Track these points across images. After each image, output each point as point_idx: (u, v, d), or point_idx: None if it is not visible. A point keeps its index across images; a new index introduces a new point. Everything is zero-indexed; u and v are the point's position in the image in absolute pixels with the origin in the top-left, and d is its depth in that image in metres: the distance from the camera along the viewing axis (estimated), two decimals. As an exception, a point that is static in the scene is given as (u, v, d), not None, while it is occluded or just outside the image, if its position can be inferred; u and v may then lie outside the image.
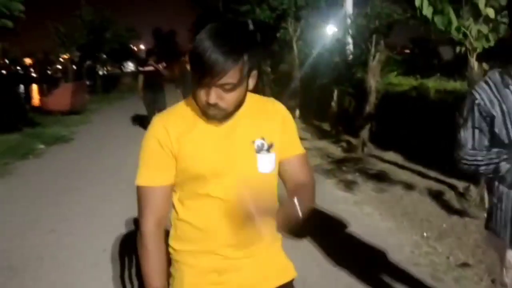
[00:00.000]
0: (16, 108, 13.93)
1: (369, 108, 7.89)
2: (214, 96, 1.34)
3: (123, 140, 9.39)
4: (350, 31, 9.46)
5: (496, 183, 1.87)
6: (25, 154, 8.47)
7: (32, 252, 4.08)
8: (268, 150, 1.49)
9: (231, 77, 1.31)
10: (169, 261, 1.53)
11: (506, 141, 1.78)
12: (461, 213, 4.73)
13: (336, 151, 8.33)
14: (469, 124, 1.86)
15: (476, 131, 1.84)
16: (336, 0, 11.44)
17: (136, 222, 4.21)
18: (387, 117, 8.14)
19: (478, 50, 4.69)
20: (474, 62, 4.76)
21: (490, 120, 1.80)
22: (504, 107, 1.77)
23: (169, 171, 1.46)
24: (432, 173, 6.19)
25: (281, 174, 1.57)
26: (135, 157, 1.53)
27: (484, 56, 4.85)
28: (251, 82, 1.44)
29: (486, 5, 4.38)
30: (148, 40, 52.26)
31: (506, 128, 1.77)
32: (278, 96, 9.60)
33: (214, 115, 1.39)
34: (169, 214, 1.52)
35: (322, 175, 6.53)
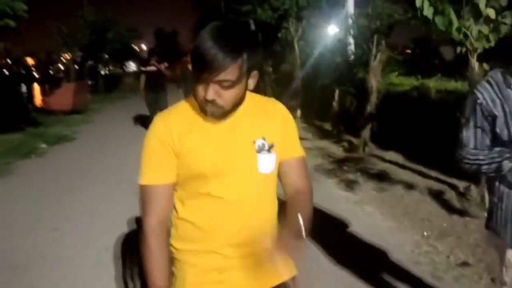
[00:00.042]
0: (18, 107, 13.94)
1: (370, 108, 7.91)
2: (212, 92, 1.35)
3: (125, 140, 9.41)
4: (352, 31, 9.47)
5: (497, 183, 1.88)
6: (27, 154, 8.50)
7: (35, 251, 4.10)
8: (269, 150, 1.49)
9: (229, 74, 1.32)
10: (171, 260, 1.54)
11: (508, 140, 1.79)
12: (461, 212, 4.75)
13: (338, 150, 8.35)
14: (471, 123, 1.86)
15: (478, 130, 1.85)
16: (338, 0, 11.46)
17: (138, 221, 4.23)
18: (388, 117, 8.15)
19: (479, 51, 4.71)
20: (474, 63, 4.78)
21: (492, 119, 1.81)
22: (506, 107, 1.78)
23: (172, 169, 1.46)
24: (433, 173, 6.20)
25: (279, 176, 1.58)
26: (137, 156, 1.54)
27: (485, 57, 4.87)
28: (252, 82, 1.45)
29: (486, 6, 4.40)
30: (150, 40, 52.23)
31: (508, 128, 1.78)
32: (279, 96, 9.65)
33: (212, 112, 1.40)
34: (171, 213, 1.52)
35: (323, 175, 6.55)
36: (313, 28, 12.28)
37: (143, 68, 10.29)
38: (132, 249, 3.90)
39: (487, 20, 4.51)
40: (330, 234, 4.05)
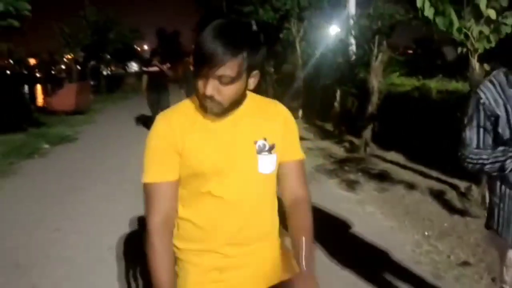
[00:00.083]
0: (21, 108, 13.98)
1: (371, 108, 7.92)
2: (211, 87, 1.35)
3: (127, 140, 9.44)
4: (353, 32, 9.49)
5: (498, 183, 1.88)
6: (30, 154, 8.51)
7: (38, 250, 4.12)
8: (269, 151, 1.50)
9: (228, 69, 1.33)
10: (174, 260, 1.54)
11: (510, 140, 1.79)
12: (462, 212, 4.76)
13: (339, 151, 8.36)
14: (474, 123, 1.87)
15: (481, 130, 1.85)
16: (339, 1, 11.48)
17: (141, 221, 4.26)
18: (389, 118, 8.16)
19: (480, 51, 4.72)
20: (475, 63, 4.79)
21: (494, 119, 1.81)
22: (508, 107, 1.79)
23: (174, 167, 1.46)
24: (434, 173, 6.22)
25: (278, 178, 1.58)
26: (139, 157, 1.54)
27: (486, 57, 4.88)
28: (252, 82, 1.45)
29: (487, 6, 4.41)
30: (151, 41, 52.32)
31: (510, 128, 1.79)
32: (281, 96, 9.68)
33: (211, 108, 1.40)
34: (175, 212, 1.51)
35: (325, 175, 6.57)
36: (315, 28, 12.29)
37: (145, 69, 10.31)
38: (134, 248, 3.93)
39: (488, 20, 4.52)
40: (331, 233, 4.06)
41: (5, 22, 9.21)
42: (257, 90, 1.51)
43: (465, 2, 4.62)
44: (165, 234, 1.45)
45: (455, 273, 3.50)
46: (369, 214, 4.91)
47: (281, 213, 1.62)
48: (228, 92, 1.38)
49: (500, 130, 1.81)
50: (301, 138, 1.64)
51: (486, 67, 4.81)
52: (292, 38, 12.35)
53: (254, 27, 1.42)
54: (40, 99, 21.39)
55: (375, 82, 7.84)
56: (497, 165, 1.79)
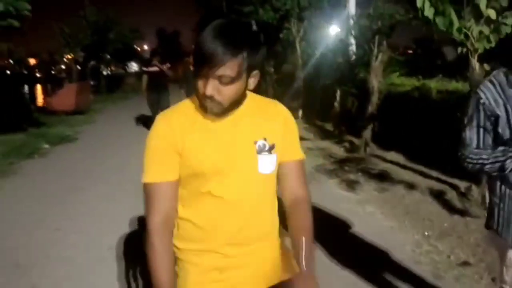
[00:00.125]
0: (21, 108, 13.98)
1: (371, 108, 7.92)
2: (210, 87, 1.35)
3: (127, 140, 9.45)
4: (353, 32, 9.50)
5: (498, 183, 1.88)
6: (30, 154, 8.52)
7: (38, 250, 4.13)
8: (269, 151, 1.50)
9: (228, 69, 1.33)
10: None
11: (510, 140, 1.79)
12: (462, 212, 4.76)
13: (339, 151, 8.36)
14: (474, 123, 1.86)
15: (481, 130, 1.85)
16: (339, 1, 11.49)
17: (140, 221, 4.26)
18: (389, 118, 8.17)
19: (480, 51, 4.73)
20: (475, 63, 4.80)
21: (494, 119, 1.81)
22: (508, 107, 1.79)
23: (175, 167, 1.46)
24: (434, 173, 6.22)
25: (278, 178, 1.58)
26: (139, 157, 1.54)
27: (486, 57, 4.89)
28: (252, 82, 1.45)
29: (487, 6, 4.42)
30: (151, 40, 52.35)
31: (510, 128, 1.79)
32: (281, 97, 9.67)
33: (211, 108, 1.40)
34: (176, 212, 1.51)
35: (325, 175, 6.57)
36: (315, 28, 12.30)
37: (145, 69, 10.32)
38: (134, 248, 3.93)
39: (488, 20, 4.53)
40: (331, 233, 4.06)
41: (5, 22, 9.20)
42: (257, 90, 1.51)
43: (465, 2, 4.63)
44: (165, 234, 1.45)
45: (455, 273, 3.50)
46: (369, 214, 4.92)
47: (281, 213, 1.62)
48: (228, 92, 1.37)
49: (500, 130, 1.81)
50: (301, 138, 1.64)
51: (486, 67, 4.82)
52: (292, 38, 12.36)
53: (254, 27, 1.42)
54: (40, 99, 21.39)
55: (375, 82, 7.85)
56: (497, 165, 1.79)
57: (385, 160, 7.34)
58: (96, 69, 28.02)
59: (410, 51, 24.56)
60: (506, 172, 1.79)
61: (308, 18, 12.17)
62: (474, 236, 4.13)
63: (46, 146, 9.35)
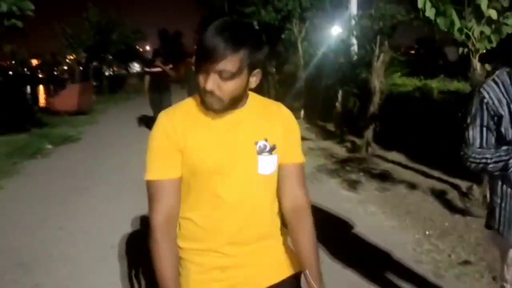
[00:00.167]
0: (23, 108, 14.03)
1: (373, 108, 7.93)
2: (211, 82, 1.36)
3: (129, 140, 9.48)
4: (355, 32, 9.52)
5: (500, 182, 1.88)
6: (33, 154, 8.55)
7: (42, 249, 4.15)
8: (270, 151, 1.50)
9: (229, 64, 1.34)
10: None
11: None
12: (463, 212, 4.78)
13: (341, 151, 8.38)
14: (478, 122, 1.86)
15: (484, 129, 1.85)
16: (341, 2, 11.48)
17: (143, 220, 4.28)
18: (391, 118, 8.17)
19: (481, 51, 4.74)
20: (476, 63, 4.81)
21: (497, 119, 1.81)
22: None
23: (177, 164, 1.46)
24: (435, 173, 6.24)
25: (278, 180, 1.57)
26: (141, 157, 1.54)
27: (487, 57, 4.90)
28: (254, 81, 1.45)
29: (488, 7, 4.44)
30: (153, 41, 52.44)
31: None
32: (283, 97, 9.68)
33: (211, 103, 1.40)
34: (178, 208, 1.51)
35: (327, 175, 6.59)
36: (317, 29, 12.31)
37: (147, 69, 10.35)
38: (136, 247, 3.96)
39: (489, 21, 4.55)
40: (333, 233, 4.08)
41: (8, 22, 9.20)
42: (259, 90, 1.51)
43: (466, 3, 4.64)
44: (168, 231, 1.45)
45: (456, 271, 3.52)
46: (371, 214, 4.93)
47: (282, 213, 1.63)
48: (228, 87, 1.38)
49: (502, 130, 1.81)
50: (303, 138, 1.65)
51: (487, 67, 4.83)
52: (294, 39, 12.36)
53: (256, 27, 1.44)
54: (42, 100, 21.46)
55: (377, 82, 7.85)
56: (501, 164, 1.79)
57: (386, 160, 7.35)
58: (98, 70, 28.10)
59: (412, 51, 24.56)
60: (509, 171, 1.79)
61: (310, 18, 12.17)
62: (475, 235, 4.14)
63: (49, 146, 9.38)
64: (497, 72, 1.87)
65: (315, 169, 6.77)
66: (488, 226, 2.01)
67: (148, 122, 11.04)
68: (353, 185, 6.02)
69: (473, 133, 1.88)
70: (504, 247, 1.95)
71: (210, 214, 1.48)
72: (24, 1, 9.08)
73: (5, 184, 6.45)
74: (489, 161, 1.82)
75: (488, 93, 1.83)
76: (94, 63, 27.85)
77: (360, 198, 5.50)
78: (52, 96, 18.58)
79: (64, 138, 10.41)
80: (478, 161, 1.85)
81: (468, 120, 1.91)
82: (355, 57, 9.64)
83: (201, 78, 1.39)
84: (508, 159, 1.77)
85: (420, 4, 4.60)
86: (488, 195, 4.43)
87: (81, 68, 27.53)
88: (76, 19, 25.50)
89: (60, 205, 5.44)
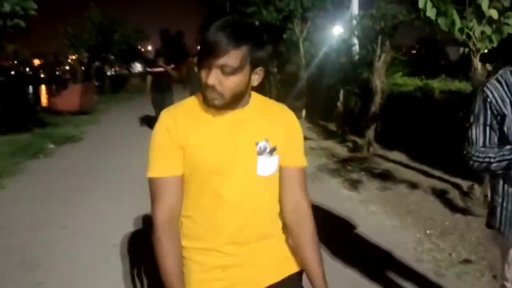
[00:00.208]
0: (26, 108, 14.07)
1: (374, 108, 7.94)
2: (213, 77, 1.37)
3: (131, 140, 9.50)
4: (356, 32, 9.52)
5: (501, 182, 1.89)
6: (35, 154, 8.57)
7: (45, 248, 4.17)
8: (270, 153, 1.50)
9: (231, 59, 1.35)
10: None
11: None
12: (464, 211, 4.79)
13: (342, 150, 8.39)
14: (481, 121, 1.86)
15: (487, 128, 1.85)
16: (342, 2, 11.48)
17: (144, 219, 4.30)
18: (392, 117, 8.19)
19: (482, 51, 4.75)
20: (477, 63, 4.82)
21: (501, 118, 1.81)
22: None
23: (179, 161, 1.46)
24: (437, 172, 6.25)
25: (279, 183, 1.57)
26: (143, 156, 1.55)
27: (488, 57, 4.91)
28: (256, 79, 1.46)
29: (489, 7, 4.44)
30: (155, 41, 52.47)
31: None
32: (284, 97, 9.69)
33: (212, 99, 1.41)
34: (181, 205, 1.51)
35: (328, 174, 6.61)
36: (318, 29, 12.32)
37: (149, 69, 10.37)
38: (138, 246, 3.99)
39: (490, 21, 4.55)
40: (334, 232, 4.09)
41: (12, 22, 9.20)
42: (261, 90, 1.52)
43: (467, 3, 4.65)
44: (171, 228, 1.45)
45: (457, 270, 3.53)
46: (372, 213, 4.95)
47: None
48: (229, 83, 1.39)
49: (505, 129, 1.81)
50: (305, 138, 1.64)
51: (488, 67, 4.84)
52: (295, 39, 12.37)
53: (258, 26, 1.46)
54: (44, 100, 21.50)
55: (378, 82, 7.86)
56: (504, 163, 1.80)
57: (388, 159, 7.36)
58: (100, 70, 28.12)
59: (414, 51, 24.54)
60: None
61: (311, 18, 12.18)
62: (476, 235, 4.16)
63: (51, 146, 9.40)
64: (500, 72, 1.87)
65: (316, 169, 6.78)
66: (489, 225, 2.02)
67: (150, 122, 11.06)
68: (354, 184, 6.04)
69: (477, 132, 1.88)
70: (505, 246, 1.95)
71: (211, 213, 1.48)
72: (27, 0, 9.07)
73: (7, 183, 6.48)
74: (492, 160, 1.82)
75: (491, 92, 1.83)
76: (96, 63, 27.88)
77: (362, 197, 5.52)
78: (54, 96, 18.62)
79: (66, 137, 10.43)
80: (481, 160, 1.86)
81: (471, 119, 1.90)
82: (357, 57, 9.64)
83: (203, 73, 1.40)
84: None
85: (421, 4, 4.61)
86: (489, 195, 4.45)
87: (83, 68, 27.56)
88: (78, 19, 25.57)
89: (63, 204, 5.46)
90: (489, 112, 1.83)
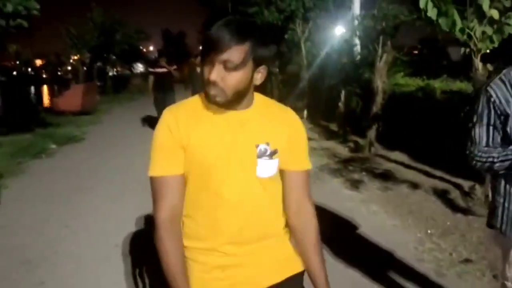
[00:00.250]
0: (28, 108, 14.09)
1: (376, 108, 7.94)
2: (215, 73, 1.37)
3: (133, 140, 9.50)
4: (358, 33, 9.52)
5: (503, 182, 1.89)
6: (37, 154, 8.58)
7: (47, 247, 4.18)
8: (270, 156, 1.49)
9: (234, 54, 1.35)
10: None
11: None
12: (465, 211, 4.79)
13: (343, 151, 8.40)
14: (484, 121, 1.85)
15: (491, 128, 1.84)
16: (344, 2, 11.49)
17: (146, 219, 4.31)
18: (393, 118, 8.19)
19: (483, 51, 4.75)
20: (478, 63, 4.82)
21: (504, 118, 1.81)
22: None
23: (180, 161, 1.46)
24: (438, 173, 6.25)
25: (282, 186, 1.58)
26: (145, 156, 1.55)
27: (489, 57, 4.91)
28: (259, 77, 1.46)
29: (490, 7, 4.44)
30: (157, 41, 52.50)
31: None
32: (286, 97, 9.70)
33: (214, 95, 1.41)
34: (182, 204, 1.51)
35: (329, 174, 6.61)
36: (320, 29, 12.32)
37: (151, 69, 10.39)
38: (140, 246, 4.00)
39: (491, 21, 4.55)
40: (336, 232, 4.09)
41: (14, 22, 9.21)
42: (263, 90, 1.52)
43: (468, 3, 4.65)
44: (173, 226, 1.46)
45: (458, 270, 3.54)
46: (373, 213, 4.95)
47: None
48: (231, 79, 1.39)
49: (508, 129, 1.80)
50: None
51: (489, 67, 4.84)
52: (297, 39, 12.37)
53: (260, 24, 1.47)
54: (46, 100, 21.54)
55: (380, 82, 7.86)
56: (507, 163, 1.79)
57: (389, 159, 7.37)
58: (102, 70, 28.17)
59: (415, 51, 24.52)
60: None
61: (313, 19, 12.18)
62: (477, 234, 4.16)
63: (53, 146, 9.41)
64: (504, 71, 1.87)
65: (318, 169, 6.79)
66: (490, 225, 2.02)
67: (152, 122, 11.05)
68: (355, 184, 6.04)
69: (480, 132, 1.87)
70: (506, 246, 1.95)
71: (211, 213, 1.48)
72: (30, 0, 9.07)
73: (9, 183, 6.49)
74: (495, 160, 1.81)
75: (495, 91, 1.82)
76: (98, 64, 27.91)
77: (363, 197, 5.52)
78: (56, 96, 18.64)
79: (68, 138, 10.45)
80: (484, 160, 1.85)
81: (475, 119, 1.90)
82: (358, 57, 9.64)
83: (206, 70, 1.41)
84: None
85: (422, 4, 4.61)
86: (490, 195, 4.45)
87: (85, 68, 27.59)
88: (80, 19, 25.60)
89: (64, 204, 5.47)
90: (492, 111, 1.83)
